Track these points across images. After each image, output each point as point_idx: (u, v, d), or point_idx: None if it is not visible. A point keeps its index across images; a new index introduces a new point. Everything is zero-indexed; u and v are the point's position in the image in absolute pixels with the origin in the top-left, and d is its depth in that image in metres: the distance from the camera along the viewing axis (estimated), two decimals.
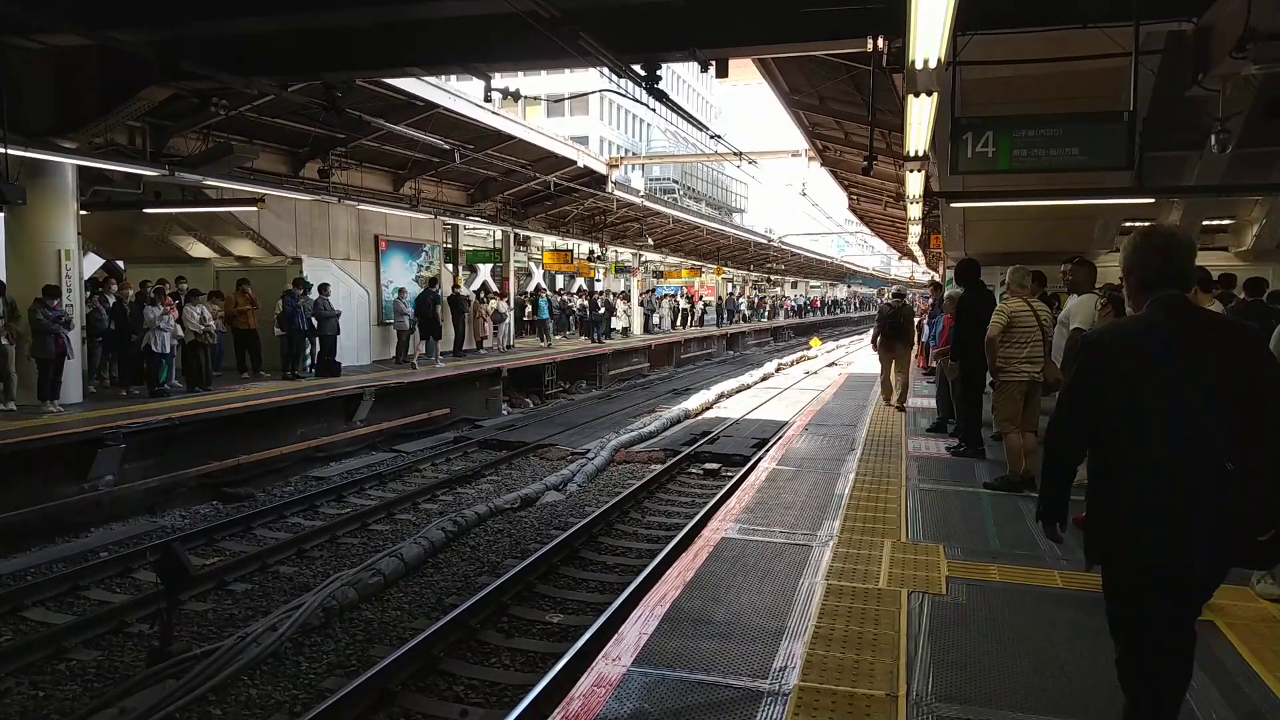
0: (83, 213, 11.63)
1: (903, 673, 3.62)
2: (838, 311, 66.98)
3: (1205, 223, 14.72)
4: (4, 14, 8.04)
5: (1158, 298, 2.61)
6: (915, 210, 15.42)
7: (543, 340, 23.35)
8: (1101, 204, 10.89)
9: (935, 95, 6.37)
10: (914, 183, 12.04)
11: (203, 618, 6.81)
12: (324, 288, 14.91)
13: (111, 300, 12.74)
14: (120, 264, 15.97)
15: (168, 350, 12.20)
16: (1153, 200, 11.67)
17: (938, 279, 19.40)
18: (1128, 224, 14.26)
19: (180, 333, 12.43)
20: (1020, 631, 4.09)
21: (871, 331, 12.10)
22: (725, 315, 40.63)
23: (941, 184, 11.31)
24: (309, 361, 15.02)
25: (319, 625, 6.41)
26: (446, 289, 19.95)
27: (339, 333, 15.25)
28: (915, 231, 20.45)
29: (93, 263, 15.36)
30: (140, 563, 8.02)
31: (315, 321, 14.72)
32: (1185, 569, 2.48)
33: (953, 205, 11.16)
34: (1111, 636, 2.72)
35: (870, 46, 7.63)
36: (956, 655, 3.80)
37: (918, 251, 28.99)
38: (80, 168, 11.11)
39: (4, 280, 10.86)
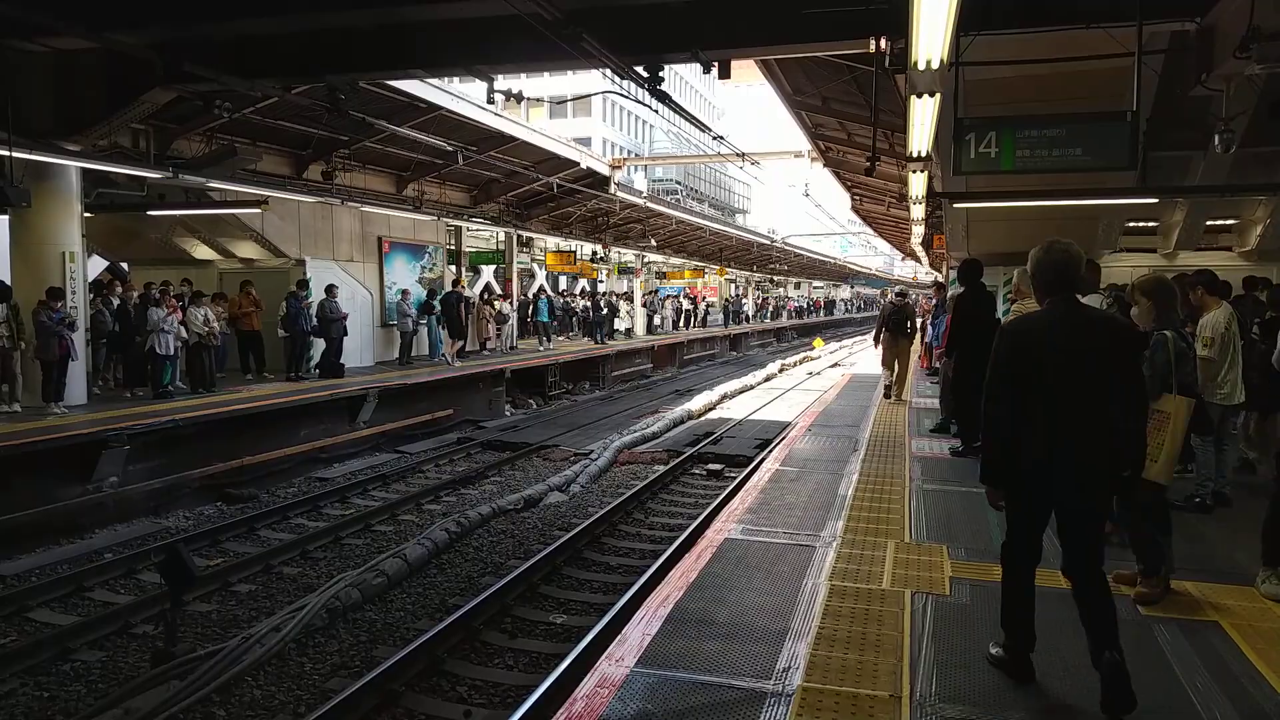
0: (87, 215, 11.66)
1: (906, 673, 3.62)
2: (834, 313, 66.58)
3: (1209, 223, 14.68)
4: (6, 16, 8.06)
5: (1055, 298, 3.42)
6: (918, 211, 15.40)
7: (542, 343, 22.87)
8: (1105, 204, 10.86)
9: (938, 96, 6.37)
10: (917, 183, 12.02)
11: (207, 619, 6.82)
12: (331, 289, 14.95)
13: (115, 302, 12.78)
14: (124, 266, 16.00)
15: (171, 352, 12.23)
16: (1156, 200, 11.65)
17: (941, 280, 19.37)
18: (1131, 224, 14.26)
19: (184, 334, 12.46)
20: None
21: (875, 328, 13.22)
22: (731, 316, 40.62)
23: (944, 184, 11.29)
24: (313, 363, 15.04)
25: (323, 626, 6.42)
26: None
27: (345, 334, 15.28)
28: (918, 232, 20.44)
29: (97, 264, 15.41)
30: (144, 564, 8.04)
31: (319, 323, 14.76)
32: (1050, 495, 3.42)
33: (956, 206, 11.14)
34: (1008, 529, 3.60)
35: (873, 47, 7.63)
36: (960, 656, 3.79)
37: (921, 252, 28.98)
38: (84, 170, 11.15)
39: (6, 282, 10.87)
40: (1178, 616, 4.21)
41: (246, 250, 15.84)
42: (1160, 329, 4.37)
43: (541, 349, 22.00)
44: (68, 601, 7.25)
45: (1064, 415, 3.27)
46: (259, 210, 13.65)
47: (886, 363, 12.90)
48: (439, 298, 17.89)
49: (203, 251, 16.09)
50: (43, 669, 5.90)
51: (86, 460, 9.39)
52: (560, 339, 26.35)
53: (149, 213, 13.78)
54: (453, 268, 21.91)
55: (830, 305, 67.27)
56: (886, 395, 12.74)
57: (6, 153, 9.15)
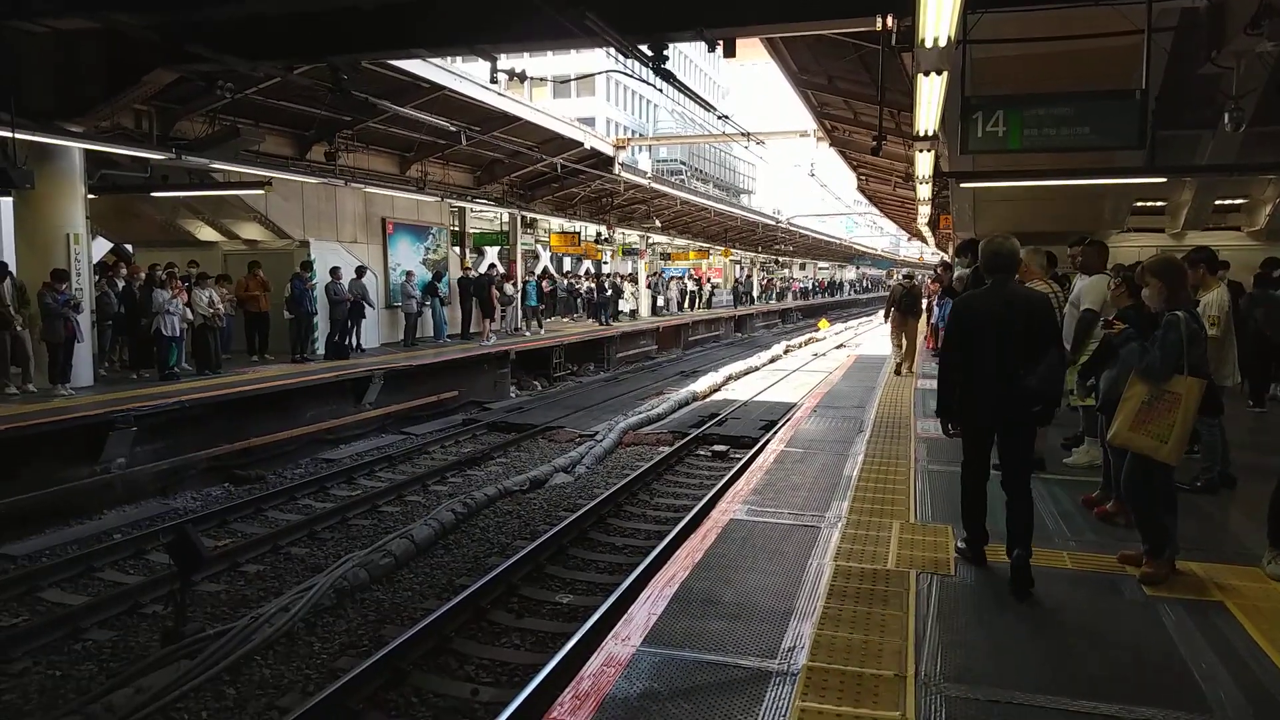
0: (90, 196, 11.65)
1: (911, 653, 3.63)
2: (840, 294, 66.24)
3: (1218, 202, 14.57)
4: None
5: (995, 279, 4.47)
6: (925, 190, 15.32)
7: (530, 329, 21.39)
8: (1113, 183, 10.81)
9: (945, 74, 6.32)
10: (924, 163, 11.94)
11: (216, 599, 6.87)
12: (335, 271, 14.97)
13: (120, 284, 12.78)
14: (128, 247, 16.00)
15: (177, 333, 12.25)
16: (1164, 179, 11.57)
17: (948, 260, 19.30)
18: (1139, 203, 14.17)
19: (189, 316, 12.48)
20: (1030, 612, 4.10)
21: (885, 306, 14.38)
22: (741, 297, 40.61)
23: (951, 164, 11.23)
24: (317, 345, 15.09)
25: (331, 606, 6.47)
26: (455, 272, 19.98)
27: (349, 316, 15.33)
28: (925, 212, 20.33)
29: (101, 246, 15.40)
30: (153, 544, 8.09)
31: (333, 303, 14.92)
32: (989, 425, 4.47)
33: (962, 185, 11.08)
34: (964, 458, 4.64)
35: (879, 25, 7.55)
36: (965, 636, 3.81)
37: (927, 232, 28.85)
38: (87, 151, 11.11)
39: (6, 264, 10.88)
40: (1183, 597, 4.22)
41: (250, 232, 15.83)
42: (1171, 310, 4.35)
43: (529, 332, 21.15)
44: (78, 582, 7.30)
45: (999, 363, 4.30)
46: (262, 191, 13.63)
47: (896, 340, 13.75)
48: (422, 280, 18.38)
49: (206, 233, 16.09)
50: (54, 648, 5.95)
51: (94, 442, 9.43)
52: (565, 320, 26.36)
53: (152, 194, 13.77)
54: (494, 249, 21.97)
55: (835, 286, 66.95)
56: (897, 372, 13.22)
57: (9, 134, 9.14)
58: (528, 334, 21.09)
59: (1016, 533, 4.34)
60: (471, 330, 19.45)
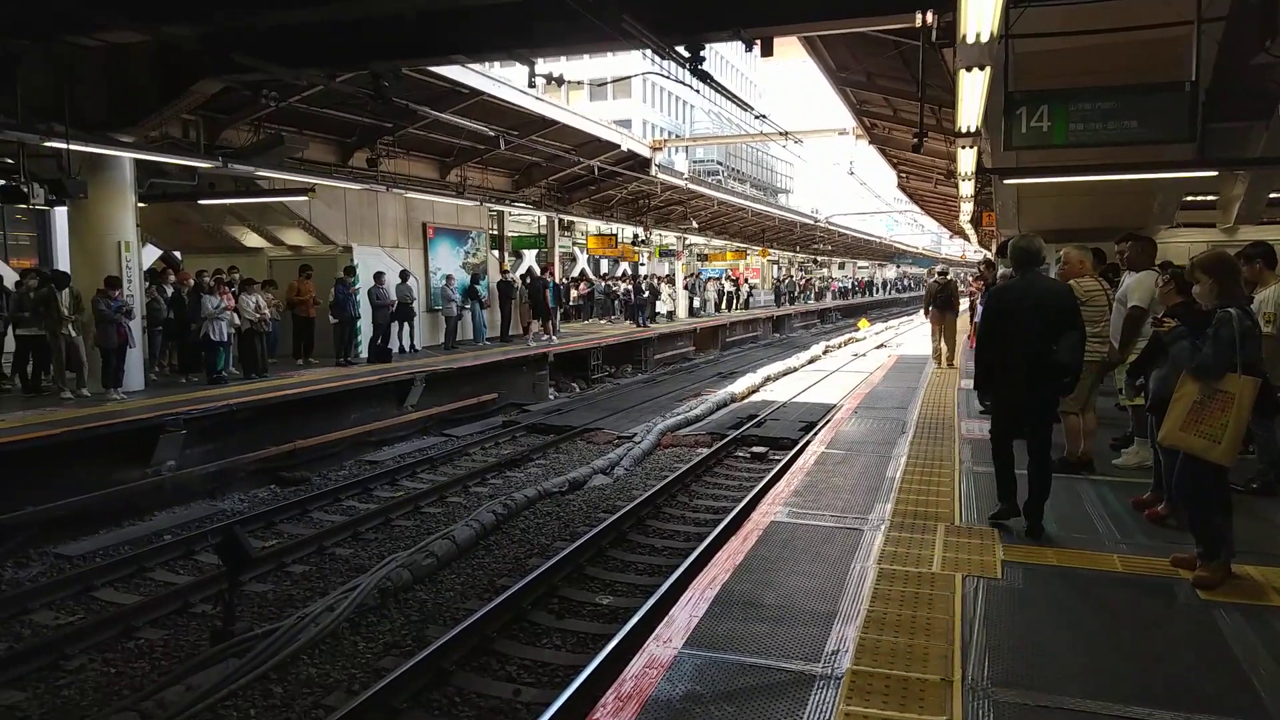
0: (140, 205, 11.95)
1: (958, 657, 3.58)
2: (873, 293, 65.34)
3: (1272, 195, 14.18)
4: (65, 13, 8.26)
5: (1025, 272, 5.14)
6: (967, 188, 15.09)
7: (546, 330, 19.95)
8: (1162, 178, 10.54)
9: (988, 69, 6.22)
10: (966, 159, 11.77)
11: (263, 598, 7.00)
12: (379, 276, 15.20)
13: (169, 290, 13.08)
14: (177, 254, 16.37)
15: (225, 338, 12.51)
16: (1215, 173, 11.27)
17: (991, 258, 19.01)
18: (1189, 197, 13.82)
19: (236, 321, 12.73)
20: (1079, 616, 4.01)
21: (924, 302, 15.01)
22: (785, 297, 40.59)
23: (994, 160, 11.04)
24: (360, 348, 15.33)
25: (375, 606, 6.55)
26: (494, 275, 20.14)
27: (393, 320, 15.55)
28: (967, 210, 20.03)
29: (150, 253, 15.79)
30: (202, 545, 8.27)
31: (376, 308, 15.25)
32: (1021, 408, 5.11)
33: (1006, 182, 10.89)
34: (993, 441, 5.33)
35: (919, 21, 7.47)
36: (1013, 640, 3.74)
37: (970, 230, 28.43)
38: (137, 161, 11.39)
39: (65, 270, 11.21)
40: (1239, 601, 4.10)
41: (295, 238, 16.10)
42: (1224, 306, 4.23)
43: (537, 340, 19.38)
44: (130, 581, 7.49)
45: (1027, 345, 4.93)
46: (306, 198, 13.85)
47: (936, 341, 14.22)
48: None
49: (252, 239, 16.39)
50: (108, 646, 6.11)
51: (145, 444, 9.66)
52: (602, 322, 26.43)
53: (200, 202, 14.07)
54: (532, 252, 22.17)
55: (871, 286, 66.10)
56: (937, 363, 13.92)
57: (64, 146, 9.41)
58: (535, 340, 19.48)
59: (1036, 493, 5.11)
60: (511, 333, 19.58)
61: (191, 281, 13.17)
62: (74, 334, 10.77)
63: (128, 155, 10.99)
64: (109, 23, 8.67)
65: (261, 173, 12.51)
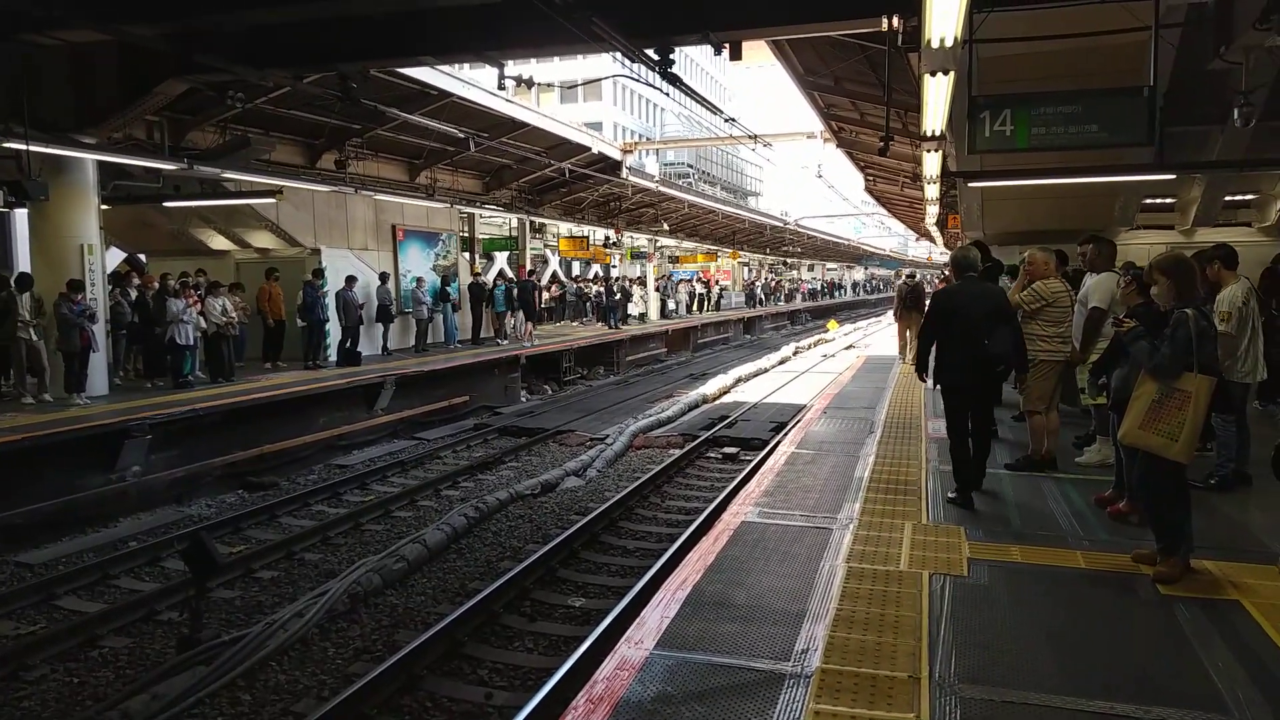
0: (104, 207, 11.75)
1: (925, 654, 3.63)
2: (842, 295, 65.74)
3: (1228, 198, 14.47)
4: (23, 11, 8.10)
5: (966, 276, 5.99)
6: (932, 190, 15.29)
7: (502, 336, 19.85)
8: (1122, 181, 10.74)
9: (952, 74, 6.30)
10: (931, 163, 11.92)
11: (231, 605, 6.91)
12: (350, 279, 15.10)
13: (134, 293, 12.89)
14: (142, 257, 16.13)
15: (191, 342, 12.34)
16: (1174, 176, 11.50)
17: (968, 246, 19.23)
18: (1148, 200, 14.08)
19: (203, 324, 12.56)
20: (1043, 612, 4.09)
21: (895, 305, 16.02)
22: (761, 298, 40.93)
23: (959, 164, 11.18)
24: (328, 351, 15.20)
25: (345, 611, 6.50)
26: (465, 278, 20.04)
27: (362, 323, 15.46)
28: (933, 212, 20.27)
29: (115, 256, 15.53)
30: (168, 551, 8.15)
31: (344, 313, 15.13)
32: (966, 387, 5.81)
33: (970, 185, 11.04)
34: (948, 420, 6.01)
35: (885, 26, 7.55)
36: (979, 636, 3.80)
37: (935, 232, 28.75)
38: (100, 163, 11.21)
39: (28, 273, 10.98)
40: (1198, 595, 4.20)
41: (262, 240, 15.92)
42: (1181, 307, 4.33)
43: (503, 340, 19.52)
44: (94, 589, 7.36)
45: (967, 340, 5.69)
46: (273, 200, 13.70)
47: (902, 341, 15.13)
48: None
49: (219, 242, 16.19)
50: (72, 655, 6.01)
51: (109, 450, 9.50)
52: (574, 324, 26.39)
53: (165, 204, 13.85)
54: (503, 254, 22.43)
55: (836, 287, 66.40)
56: (904, 360, 14.71)
57: (24, 147, 9.23)
58: (529, 342, 19.92)
59: (975, 453, 5.95)
60: (482, 335, 19.51)
61: (156, 284, 12.97)
62: (35, 338, 10.56)
63: (90, 157, 10.82)
64: (68, 22, 8.52)
65: (228, 175, 12.36)
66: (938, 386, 5.95)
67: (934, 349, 5.92)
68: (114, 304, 12.25)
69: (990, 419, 6.12)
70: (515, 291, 20.37)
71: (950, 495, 5.91)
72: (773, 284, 48.39)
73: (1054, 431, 6.82)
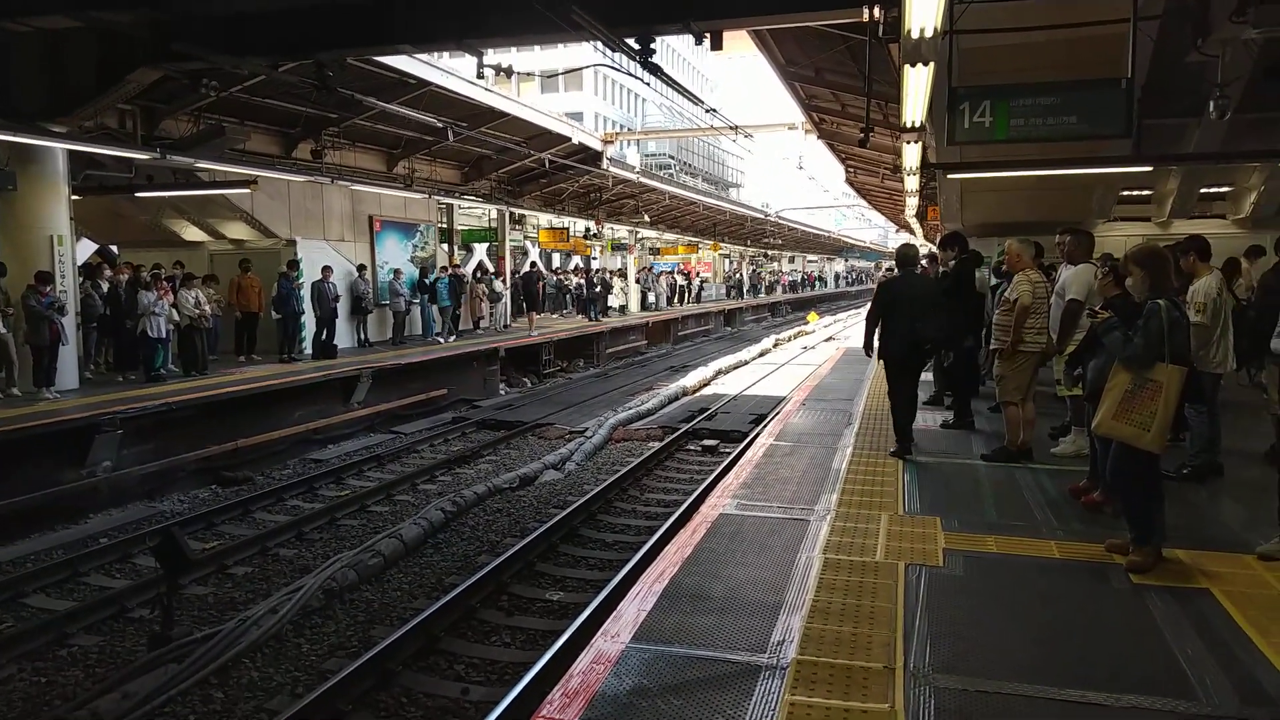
0: (75, 197, 11.55)
1: (900, 645, 3.63)
2: (823, 287, 66.01)
3: (1203, 190, 14.63)
4: None
5: (906, 269, 7.25)
6: (912, 182, 15.31)
7: (445, 335, 18.20)
8: (1099, 173, 10.81)
9: (932, 65, 6.30)
10: (911, 154, 11.94)
11: (203, 601, 6.83)
12: (326, 270, 14.94)
13: (105, 285, 12.67)
14: (113, 249, 15.87)
15: (163, 335, 12.17)
16: (1151, 169, 11.60)
17: (936, 251, 19.33)
18: (1125, 192, 14.20)
19: (175, 317, 12.39)
20: (1018, 602, 4.10)
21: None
22: (752, 287, 41.50)
23: (939, 155, 11.21)
24: (304, 344, 15.05)
25: (319, 607, 6.43)
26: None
27: (336, 315, 15.30)
28: (912, 204, 20.35)
29: (85, 248, 15.27)
30: (140, 548, 8.03)
31: (318, 305, 14.91)
32: (900, 359, 6.98)
33: (950, 177, 11.08)
34: (890, 387, 7.13)
35: (866, 16, 7.53)
36: (954, 627, 3.80)
37: (915, 224, 28.88)
38: (71, 152, 11.01)
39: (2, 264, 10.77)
40: (1169, 584, 4.23)
41: (237, 231, 15.73)
42: (1154, 298, 4.35)
43: (444, 340, 17.93)
44: (63, 586, 7.24)
45: (905, 323, 6.82)
46: (248, 190, 13.54)
47: None
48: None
49: (192, 233, 15.98)
50: (40, 654, 5.90)
51: (80, 445, 9.35)
52: (554, 316, 26.30)
53: (137, 194, 13.65)
54: (482, 246, 22.67)
55: (811, 280, 66.53)
56: None
57: None
58: (535, 331, 20.32)
59: (908, 417, 7.14)
60: (461, 327, 19.40)
61: (127, 276, 12.78)
62: (3, 330, 10.37)
63: (60, 146, 10.61)
64: (43, 8, 8.34)
65: (201, 164, 12.20)
66: (881, 360, 7.14)
67: (878, 329, 7.00)
68: (84, 296, 12.05)
69: (916, 383, 7.18)
70: (521, 283, 21.57)
71: (892, 450, 7.03)
72: (752, 275, 48.55)
73: (1030, 422, 6.86)
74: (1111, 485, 4.94)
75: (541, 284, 21.67)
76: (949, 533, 5.08)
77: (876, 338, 7.08)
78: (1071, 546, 4.79)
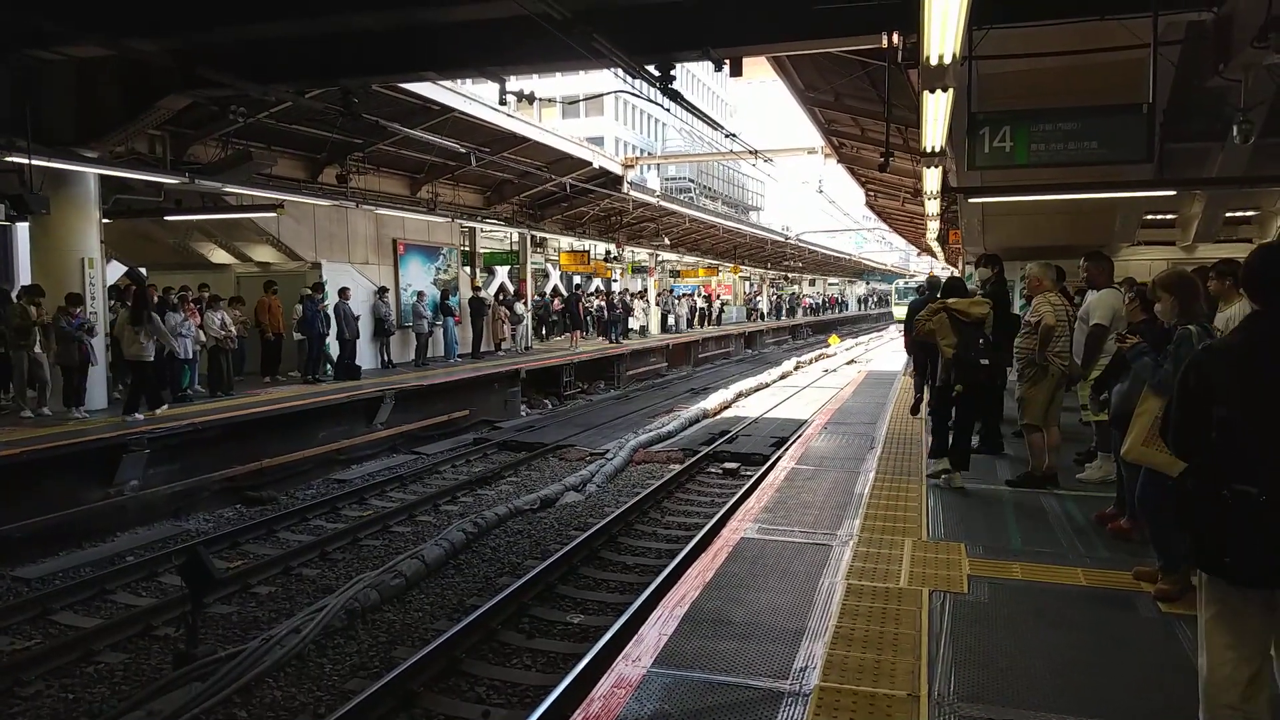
0: (105, 221, 11.77)
1: (924, 672, 3.60)
2: (845, 310, 65.99)
3: (1228, 214, 14.50)
4: (28, 27, 8.14)
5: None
6: (933, 206, 15.31)
7: (420, 361, 17.50)
8: (1122, 197, 10.76)
9: (951, 90, 6.32)
10: (931, 179, 11.95)
11: (227, 620, 6.88)
12: (344, 291, 15.09)
13: None
14: (142, 271, 16.14)
15: (190, 356, 12.33)
16: (1174, 193, 11.52)
17: (957, 274, 19.27)
18: (1149, 216, 14.11)
19: (202, 338, 12.55)
20: (1043, 630, 4.06)
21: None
22: (781, 309, 43.47)
23: (959, 179, 11.21)
24: (327, 365, 15.19)
25: (342, 627, 6.46)
26: (466, 292, 20.07)
27: (358, 336, 15.44)
28: (934, 227, 20.32)
29: (115, 270, 15.56)
30: (165, 566, 8.11)
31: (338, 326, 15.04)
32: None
33: (971, 201, 11.06)
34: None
35: (884, 43, 7.58)
36: (979, 654, 3.77)
37: (936, 247, 28.80)
38: (102, 177, 11.24)
39: (41, 288, 10.96)
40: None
41: (263, 254, 15.95)
42: (1184, 323, 4.32)
43: (577, 347, 19.22)
44: (90, 604, 7.32)
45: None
46: (274, 214, 13.73)
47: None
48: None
49: (219, 256, 16.22)
50: (67, 671, 5.96)
51: (108, 464, 9.48)
52: (559, 339, 26.40)
53: (166, 218, 13.89)
54: (504, 269, 23.98)
55: (830, 304, 66.34)
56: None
57: (26, 160, 9.26)
58: (576, 348, 22.12)
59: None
60: (482, 349, 19.52)
61: (156, 298, 12.95)
62: (38, 351, 10.55)
63: (92, 171, 10.84)
64: (74, 37, 8.56)
65: (229, 189, 12.40)
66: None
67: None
68: (114, 318, 12.24)
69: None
70: (562, 304, 22.93)
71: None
72: (772, 298, 48.57)
73: (1055, 448, 6.80)
74: (1140, 512, 4.88)
75: (580, 305, 23.04)
76: (973, 559, 5.04)
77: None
78: (1098, 574, 4.74)
